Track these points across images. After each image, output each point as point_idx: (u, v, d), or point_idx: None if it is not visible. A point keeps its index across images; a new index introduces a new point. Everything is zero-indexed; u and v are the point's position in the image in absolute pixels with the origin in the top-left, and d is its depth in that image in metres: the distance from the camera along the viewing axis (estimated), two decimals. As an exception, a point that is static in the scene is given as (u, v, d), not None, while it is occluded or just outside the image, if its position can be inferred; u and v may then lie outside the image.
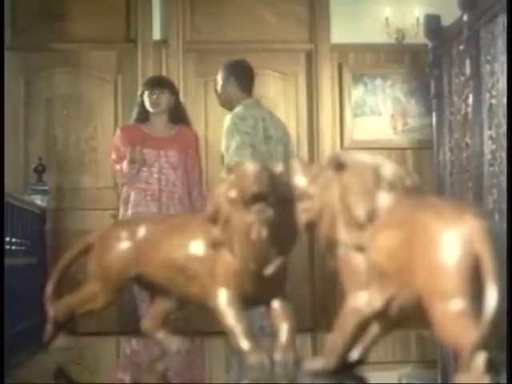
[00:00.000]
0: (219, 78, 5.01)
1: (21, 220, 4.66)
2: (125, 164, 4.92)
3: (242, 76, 4.96)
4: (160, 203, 4.91)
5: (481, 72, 4.96)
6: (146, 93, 5.03)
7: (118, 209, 5.85)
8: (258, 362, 1.89)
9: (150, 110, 5.02)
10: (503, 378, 1.45)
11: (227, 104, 4.95)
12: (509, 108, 4.50)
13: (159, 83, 5.12)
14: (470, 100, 5.10)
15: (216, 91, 5.07)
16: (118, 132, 5.17)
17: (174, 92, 5.12)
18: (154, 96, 4.99)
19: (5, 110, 5.93)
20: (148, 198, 4.92)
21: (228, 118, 4.78)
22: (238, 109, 4.80)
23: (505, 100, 4.58)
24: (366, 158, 1.74)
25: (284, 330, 1.98)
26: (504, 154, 4.62)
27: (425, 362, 2.29)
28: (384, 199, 1.68)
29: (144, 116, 5.07)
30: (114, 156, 5.08)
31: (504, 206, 4.56)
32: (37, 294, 3.01)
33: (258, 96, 5.39)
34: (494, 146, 4.83)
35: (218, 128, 6.23)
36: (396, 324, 1.73)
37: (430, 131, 5.97)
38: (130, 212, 4.94)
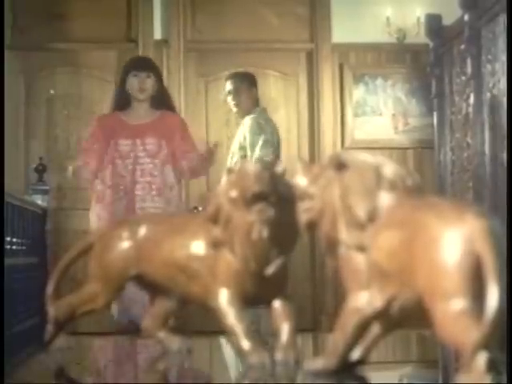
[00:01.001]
0: (232, 89, 5.36)
1: (21, 220, 4.66)
2: (93, 161, 4.56)
3: (253, 85, 5.42)
4: (133, 196, 4.51)
5: (482, 71, 4.95)
6: (130, 76, 4.59)
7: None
8: (259, 361, 1.89)
9: (136, 95, 4.59)
10: (504, 378, 1.45)
11: (241, 112, 5.39)
12: (509, 107, 4.50)
13: (145, 66, 4.68)
14: (471, 100, 5.10)
15: (233, 100, 5.37)
16: (94, 122, 4.77)
17: (159, 76, 4.71)
18: (140, 80, 4.56)
19: (6, 109, 5.93)
20: (121, 194, 4.53)
21: (251, 119, 5.22)
22: (258, 112, 5.31)
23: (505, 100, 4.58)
24: (366, 157, 1.74)
25: (285, 330, 1.98)
26: (505, 154, 4.62)
27: (426, 362, 2.29)
28: (385, 199, 1.68)
29: (125, 102, 4.64)
30: (84, 145, 4.70)
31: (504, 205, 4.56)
32: (37, 294, 3.01)
33: (258, 95, 5.45)
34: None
35: (219, 127, 6.26)
36: (397, 324, 1.72)
37: (431, 131, 5.96)
38: (103, 211, 4.54)
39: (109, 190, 4.56)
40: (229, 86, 5.39)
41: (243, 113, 5.34)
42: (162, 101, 4.67)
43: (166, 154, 4.59)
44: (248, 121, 5.24)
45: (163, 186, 4.56)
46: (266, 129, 5.20)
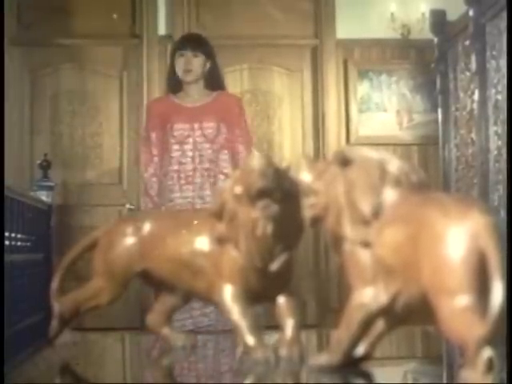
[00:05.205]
0: None
1: (26, 216, 4.66)
2: (154, 150, 4.28)
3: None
4: (194, 185, 4.23)
5: (486, 67, 4.95)
6: (176, 56, 4.28)
7: (131, 203, 5.86)
8: (263, 357, 1.89)
9: (181, 77, 4.28)
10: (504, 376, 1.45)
11: None
12: (509, 107, 4.49)
13: (191, 45, 4.31)
14: (476, 96, 5.09)
15: None
16: (147, 108, 4.49)
17: (211, 55, 4.34)
18: (185, 60, 4.25)
19: (11, 105, 5.93)
20: (182, 182, 4.24)
21: None
22: None
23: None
24: (371, 153, 1.74)
25: (289, 326, 1.98)
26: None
27: (430, 358, 2.29)
28: (390, 195, 1.68)
29: (176, 85, 4.34)
30: (144, 133, 4.42)
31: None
32: (42, 290, 3.01)
33: (263, 92, 5.46)
34: (499, 142, 4.82)
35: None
36: (401, 320, 1.73)
37: (436, 127, 5.96)
38: (159, 201, 4.24)
39: (164, 178, 4.29)
40: None
41: None
42: (216, 82, 4.39)
43: (225, 138, 4.31)
44: None
45: (219, 173, 4.28)
46: None
